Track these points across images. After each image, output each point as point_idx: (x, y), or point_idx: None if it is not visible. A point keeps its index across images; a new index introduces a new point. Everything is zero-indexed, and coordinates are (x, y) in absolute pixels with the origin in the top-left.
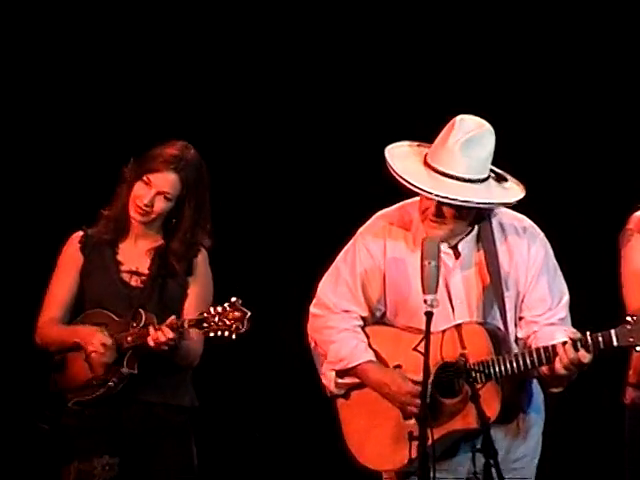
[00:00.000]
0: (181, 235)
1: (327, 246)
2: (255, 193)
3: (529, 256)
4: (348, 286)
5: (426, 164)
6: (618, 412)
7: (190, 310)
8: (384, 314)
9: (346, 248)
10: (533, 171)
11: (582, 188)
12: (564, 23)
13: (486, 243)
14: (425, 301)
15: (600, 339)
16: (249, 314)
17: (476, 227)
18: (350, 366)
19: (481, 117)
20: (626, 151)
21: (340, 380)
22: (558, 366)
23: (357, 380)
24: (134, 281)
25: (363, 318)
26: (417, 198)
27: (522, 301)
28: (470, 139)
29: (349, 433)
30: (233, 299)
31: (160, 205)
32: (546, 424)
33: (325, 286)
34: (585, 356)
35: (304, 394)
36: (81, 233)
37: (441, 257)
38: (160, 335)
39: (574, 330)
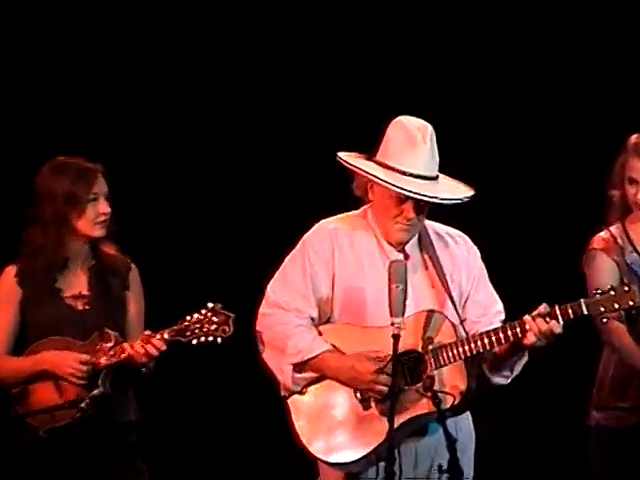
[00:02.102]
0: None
1: (268, 254)
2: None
3: (469, 258)
4: (298, 288)
5: (391, 169)
6: (583, 434)
7: (134, 324)
8: (329, 317)
9: (293, 253)
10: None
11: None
12: (511, 21)
13: (427, 248)
14: (392, 323)
15: (570, 310)
16: (233, 316)
17: (417, 233)
18: (310, 356)
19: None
20: (581, 172)
21: (298, 375)
22: (529, 335)
23: (315, 375)
24: (80, 305)
25: (312, 319)
26: (357, 212)
27: (465, 302)
28: (431, 137)
29: (302, 426)
30: (210, 304)
31: (109, 207)
32: (513, 444)
33: (275, 287)
34: (556, 325)
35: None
36: (15, 267)
37: (407, 279)
38: (150, 348)
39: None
